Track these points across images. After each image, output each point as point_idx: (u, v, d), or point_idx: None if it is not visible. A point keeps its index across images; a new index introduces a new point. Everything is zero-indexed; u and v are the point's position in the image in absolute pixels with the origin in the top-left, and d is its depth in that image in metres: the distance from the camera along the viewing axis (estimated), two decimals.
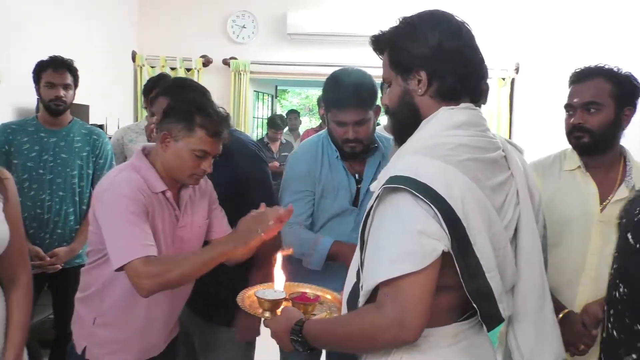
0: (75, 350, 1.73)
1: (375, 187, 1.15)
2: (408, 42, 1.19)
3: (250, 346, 2.19)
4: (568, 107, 1.78)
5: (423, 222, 1.04)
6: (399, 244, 1.04)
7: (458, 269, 1.07)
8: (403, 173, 1.07)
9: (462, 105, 1.18)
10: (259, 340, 2.12)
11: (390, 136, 2.12)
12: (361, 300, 1.13)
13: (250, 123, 6.07)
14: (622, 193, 1.71)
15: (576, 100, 1.74)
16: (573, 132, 1.75)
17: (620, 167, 1.77)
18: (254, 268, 1.95)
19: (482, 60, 1.21)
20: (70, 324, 1.80)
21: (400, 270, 1.02)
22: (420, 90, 1.19)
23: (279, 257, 1.52)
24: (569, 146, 1.84)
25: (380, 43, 1.27)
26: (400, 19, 1.24)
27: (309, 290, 1.62)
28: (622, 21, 4.49)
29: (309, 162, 2.04)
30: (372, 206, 1.12)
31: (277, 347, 1.54)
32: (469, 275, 1.08)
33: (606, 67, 1.75)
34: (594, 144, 1.73)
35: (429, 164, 1.08)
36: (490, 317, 1.13)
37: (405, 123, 1.22)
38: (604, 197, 1.74)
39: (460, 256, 1.06)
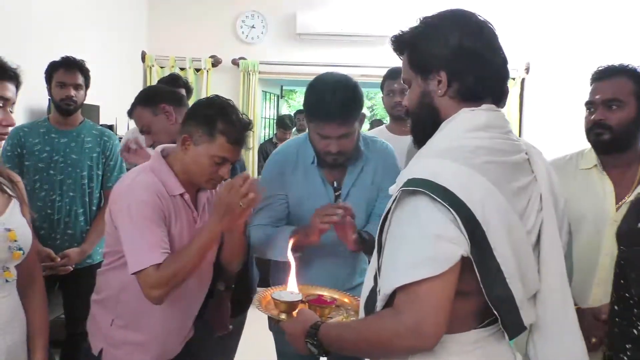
0: (92, 352, 1.73)
1: (393, 189, 1.13)
2: (428, 42, 1.17)
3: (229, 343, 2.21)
4: (589, 104, 1.77)
5: (441, 226, 1.02)
6: (417, 249, 1.02)
7: (478, 274, 1.04)
8: (421, 175, 1.05)
9: (484, 106, 1.16)
10: (258, 339, 2.11)
11: (377, 137, 2.10)
12: (379, 305, 1.11)
13: (259, 123, 6.07)
14: None
15: (598, 97, 1.73)
16: (593, 129, 1.74)
17: (639, 167, 1.75)
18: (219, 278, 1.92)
19: (504, 61, 1.19)
20: (80, 324, 1.81)
21: (418, 275, 1.00)
22: (440, 91, 1.17)
23: (292, 260, 1.52)
24: (582, 147, 1.83)
25: (400, 43, 1.25)
26: (421, 19, 1.22)
27: (326, 293, 1.61)
28: (632, 21, 4.45)
29: (282, 165, 1.95)
30: (389, 209, 1.10)
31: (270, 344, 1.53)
32: (489, 281, 1.05)
33: (630, 66, 1.74)
34: (613, 141, 1.72)
35: (448, 167, 1.06)
36: (512, 325, 1.10)
37: (425, 124, 1.20)
38: (620, 197, 1.72)
39: (480, 261, 1.04)
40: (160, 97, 2.13)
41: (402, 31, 1.24)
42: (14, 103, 1.56)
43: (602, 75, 1.76)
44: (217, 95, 1.74)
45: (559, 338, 1.18)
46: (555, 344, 1.18)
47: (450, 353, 1.09)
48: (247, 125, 1.66)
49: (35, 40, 3.30)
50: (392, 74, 2.70)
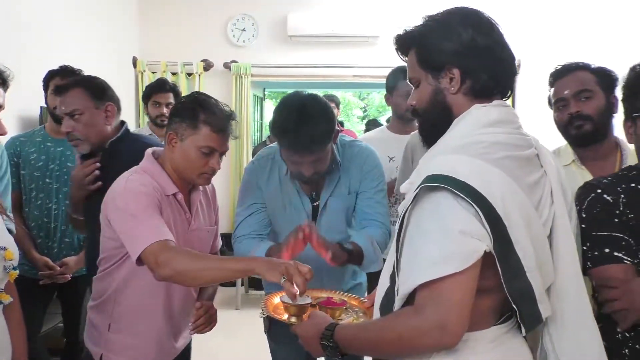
0: (93, 359, 1.73)
1: (407, 188, 1.13)
2: (440, 39, 1.16)
3: None
4: (560, 101, 1.80)
5: (464, 222, 1.01)
6: (440, 245, 1.01)
7: (500, 269, 1.04)
8: (440, 172, 1.04)
9: (495, 102, 1.16)
10: (255, 338, 2.12)
11: (357, 141, 2.00)
12: (397, 304, 1.09)
13: (252, 126, 6.07)
14: None
15: (567, 92, 1.78)
16: (573, 122, 1.77)
17: (617, 156, 1.80)
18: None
19: (513, 58, 1.19)
20: (79, 331, 1.81)
21: (441, 272, 0.99)
22: (452, 89, 1.16)
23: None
24: (562, 144, 1.87)
25: (406, 42, 1.23)
26: (427, 17, 1.20)
27: (334, 295, 1.61)
28: (622, 19, 4.49)
29: (258, 174, 1.92)
30: (407, 208, 1.09)
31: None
32: (510, 276, 1.05)
33: (581, 63, 1.82)
34: (595, 131, 1.76)
35: (466, 162, 1.05)
36: (530, 318, 1.10)
37: (437, 123, 1.19)
38: None
39: (501, 256, 1.03)
40: (111, 96, 2.12)
41: (406, 30, 1.22)
42: (2, 108, 1.54)
43: (562, 73, 1.81)
44: (197, 92, 1.77)
45: (575, 329, 1.17)
46: (571, 335, 1.16)
47: (472, 351, 1.08)
48: (229, 114, 1.68)
49: (26, 48, 3.29)
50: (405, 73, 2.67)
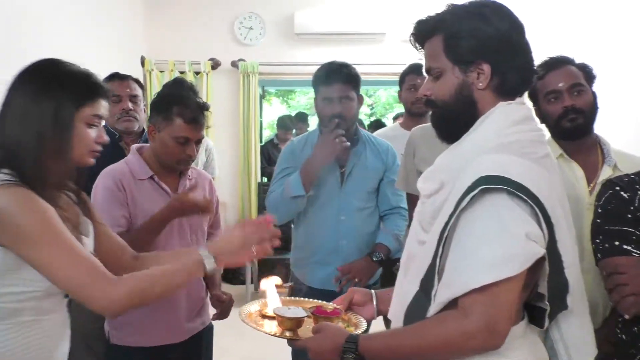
0: (105, 337, 1.85)
1: (432, 188, 1.10)
2: (474, 29, 1.10)
3: None
4: (551, 93, 1.78)
5: (526, 224, 0.99)
6: (499, 248, 0.98)
7: (548, 268, 1.03)
8: (493, 172, 1.00)
9: (518, 100, 1.14)
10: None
11: (382, 140, 2.38)
12: (435, 308, 1.04)
13: (259, 125, 6.08)
14: (607, 173, 1.75)
15: (561, 85, 1.77)
16: (567, 115, 1.76)
17: (598, 149, 1.82)
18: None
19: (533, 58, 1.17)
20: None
21: (499, 275, 0.96)
22: (481, 84, 1.12)
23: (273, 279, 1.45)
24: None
25: (431, 27, 1.15)
26: (452, 5, 1.14)
27: (306, 303, 1.47)
28: (618, 20, 4.46)
29: (294, 147, 2.30)
30: (458, 210, 1.03)
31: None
32: (551, 273, 1.04)
33: (567, 57, 1.84)
34: (586, 124, 1.77)
35: (516, 162, 1.02)
36: (557, 310, 1.09)
37: (459, 117, 1.14)
38: (589, 180, 1.78)
39: (549, 255, 1.02)
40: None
41: (429, 17, 1.16)
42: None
43: (554, 65, 1.80)
44: (172, 82, 1.95)
45: (580, 319, 1.16)
46: (578, 324, 1.15)
47: (509, 346, 1.04)
48: (202, 105, 1.83)
49: (34, 48, 3.31)
50: (416, 69, 2.67)
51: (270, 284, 1.42)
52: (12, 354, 1.22)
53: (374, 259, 2.14)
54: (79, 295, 1.21)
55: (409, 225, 2.11)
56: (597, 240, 1.42)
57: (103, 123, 1.36)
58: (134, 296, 1.22)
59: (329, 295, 1.69)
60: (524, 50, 1.13)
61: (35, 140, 1.23)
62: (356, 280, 2.07)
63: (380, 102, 14.33)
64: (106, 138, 1.35)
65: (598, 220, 1.44)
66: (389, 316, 1.23)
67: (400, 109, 6.98)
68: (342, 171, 2.24)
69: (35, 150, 1.23)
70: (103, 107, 1.33)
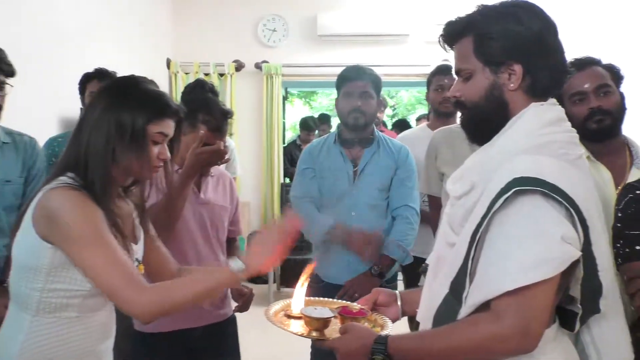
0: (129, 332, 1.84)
1: (462, 190, 1.09)
2: (506, 29, 1.08)
3: None
4: (576, 95, 1.76)
5: (562, 226, 0.98)
6: (535, 250, 0.97)
7: (583, 271, 1.02)
8: (527, 174, 0.99)
9: (550, 101, 1.13)
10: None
11: (397, 142, 2.45)
12: (467, 310, 1.04)
13: (282, 126, 6.12)
14: (635, 175, 1.70)
15: (587, 85, 1.74)
16: (593, 117, 1.74)
17: (627, 151, 1.78)
18: None
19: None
20: None
21: (533, 278, 0.95)
22: (512, 85, 1.11)
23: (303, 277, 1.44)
24: None
25: (462, 28, 1.14)
26: (482, 6, 1.13)
27: (332, 304, 1.46)
28: (620, 20, 4.39)
29: (312, 149, 2.45)
30: (487, 211, 1.02)
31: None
32: (585, 276, 1.03)
33: (593, 57, 1.82)
34: (613, 125, 1.75)
35: (550, 164, 1.01)
36: (590, 314, 1.08)
37: (490, 118, 1.13)
38: (617, 184, 1.74)
39: (583, 258, 1.01)
40: None
41: (459, 17, 1.15)
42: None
43: (581, 66, 1.78)
44: (195, 84, 2.09)
45: (614, 323, 1.13)
46: (612, 328, 1.13)
47: (541, 350, 1.03)
48: (225, 113, 1.87)
49: (65, 51, 3.39)
50: (444, 70, 2.67)
51: (299, 284, 1.42)
52: (50, 348, 1.27)
53: (373, 272, 2.20)
54: (112, 298, 1.27)
55: (423, 225, 2.38)
56: (618, 245, 1.42)
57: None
58: (164, 303, 1.27)
59: (339, 290, 2.13)
60: (557, 50, 1.11)
61: (103, 149, 1.30)
62: (355, 295, 2.00)
63: (402, 103, 14.26)
64: (168, 155, 1.40)
65: (618, 225, 1.43)
66: (418, 318, 1.23)
67: (422, 110, 6.94)
68: (355, 169, 2.33)
69: (102, 159, 1.31)
70: (169, 126, 1.39)
